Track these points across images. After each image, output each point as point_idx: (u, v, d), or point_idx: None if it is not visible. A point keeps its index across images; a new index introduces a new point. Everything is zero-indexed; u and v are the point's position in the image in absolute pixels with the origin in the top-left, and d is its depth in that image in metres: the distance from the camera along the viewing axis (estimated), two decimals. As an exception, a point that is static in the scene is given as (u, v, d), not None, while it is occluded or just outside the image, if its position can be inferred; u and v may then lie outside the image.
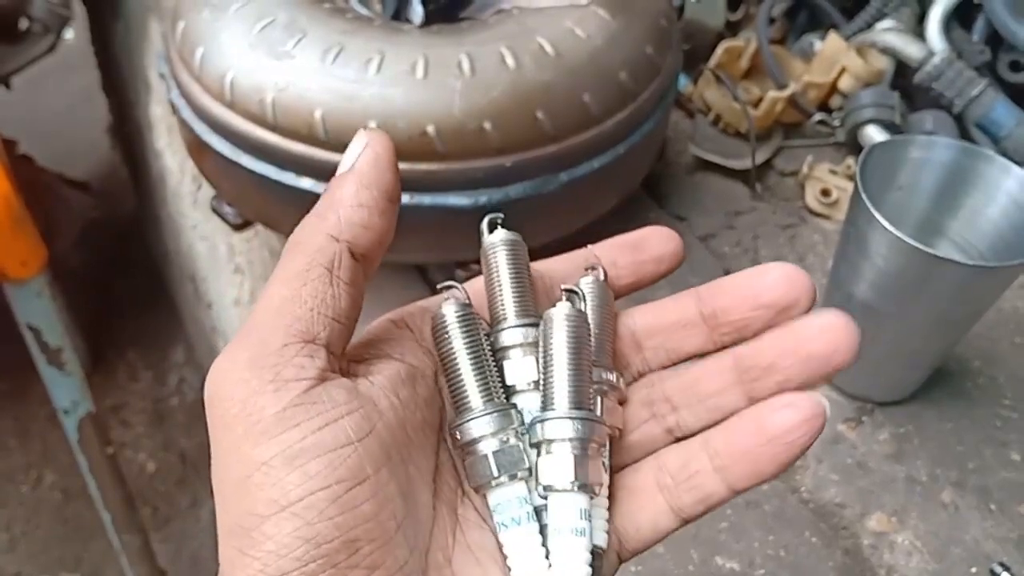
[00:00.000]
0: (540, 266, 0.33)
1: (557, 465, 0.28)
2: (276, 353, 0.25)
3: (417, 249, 0.68)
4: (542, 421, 0.28)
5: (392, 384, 0.28)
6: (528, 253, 0.32)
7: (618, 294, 0.33)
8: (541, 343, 0.29)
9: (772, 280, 0.30)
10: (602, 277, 0.32)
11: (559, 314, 0.29)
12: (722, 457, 0.29)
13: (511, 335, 0.30)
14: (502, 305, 0.30)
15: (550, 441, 0.28)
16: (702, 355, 0.31)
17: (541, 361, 0.29)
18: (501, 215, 0.32)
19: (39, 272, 0.87)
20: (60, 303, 1.27)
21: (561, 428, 0.28)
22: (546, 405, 0.28)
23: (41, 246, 0.87)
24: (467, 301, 0.30)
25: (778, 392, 0.28)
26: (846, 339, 0.28)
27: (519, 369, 0.30)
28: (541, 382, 0.29)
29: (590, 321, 0.30)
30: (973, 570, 0.59)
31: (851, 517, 0.62)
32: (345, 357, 0.28)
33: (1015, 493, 0.63)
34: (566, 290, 0.30)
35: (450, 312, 0.29)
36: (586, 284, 0.31)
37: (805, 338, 0.28)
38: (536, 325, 0.30)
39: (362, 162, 0.28)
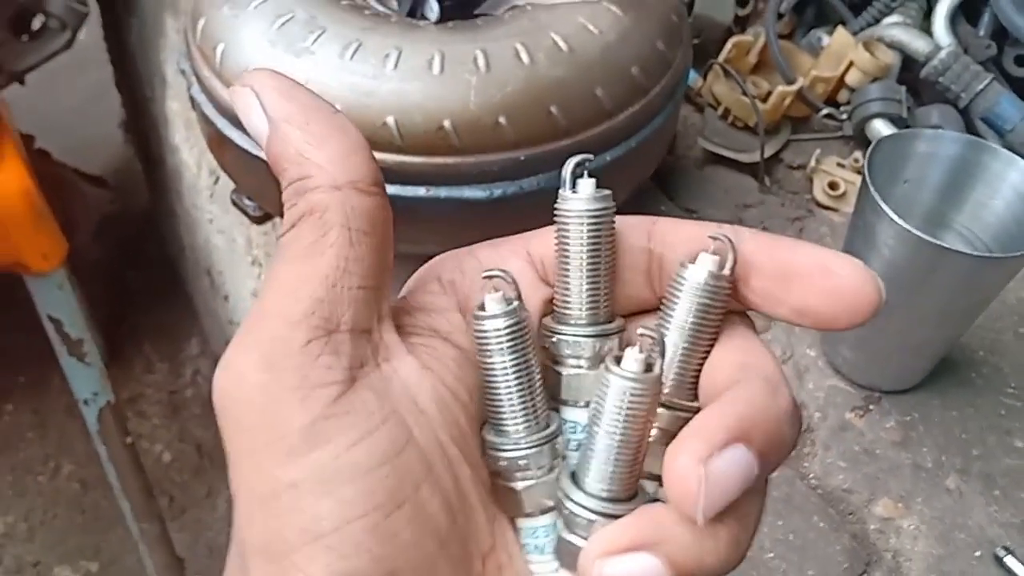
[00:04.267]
0: (660, 228, 0.27)
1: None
2: (299, 353, 0.22)
3: (433, 241, 0.69)
4: (572, 501, 0.24)
5: (437, 371, 0.24)
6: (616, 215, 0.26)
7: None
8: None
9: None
10: (728, 266, 0.25)
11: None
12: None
13: (573, 346, 0.26)
14: (567, 299, 0.26)
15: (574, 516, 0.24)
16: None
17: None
18: (591, 156, 0.26)
19: (60, 265, 0.89)
20: (79, 296, 1.29)
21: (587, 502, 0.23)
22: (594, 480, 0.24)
23: (62, 239, 0.89)
24: (515, 297, 0.25)
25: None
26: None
27: (573, 386, 0.26)
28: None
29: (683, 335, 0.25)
30: (977, 554, 0.61)
31: (858, 502, 0.64)
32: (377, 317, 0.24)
33: (1019, 479, 0.65)
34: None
35: (494, 318, 0.24)
36: (696, 275, 0.24)
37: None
38: (606, 335, 0.26)
39: (272, 108, 0.24)
